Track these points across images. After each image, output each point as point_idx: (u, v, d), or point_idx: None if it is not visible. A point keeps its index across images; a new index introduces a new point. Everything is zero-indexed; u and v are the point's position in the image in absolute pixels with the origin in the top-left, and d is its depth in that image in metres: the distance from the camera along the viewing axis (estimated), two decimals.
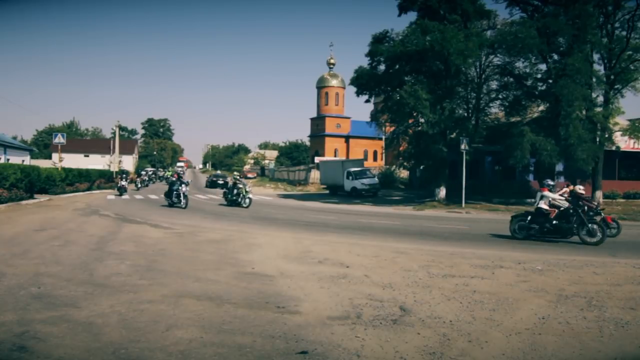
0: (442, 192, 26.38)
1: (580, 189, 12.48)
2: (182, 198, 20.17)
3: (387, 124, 31.63)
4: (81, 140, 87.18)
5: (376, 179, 35.47)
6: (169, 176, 43.34)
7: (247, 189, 21.96)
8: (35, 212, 16.69)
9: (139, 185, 39.77)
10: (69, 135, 55.70)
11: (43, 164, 33.72)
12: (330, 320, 5.14)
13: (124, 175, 31.80)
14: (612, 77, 24.75)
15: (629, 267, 8.36)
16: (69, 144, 46.61)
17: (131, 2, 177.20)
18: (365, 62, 28.72)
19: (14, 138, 62.12)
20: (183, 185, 20.38)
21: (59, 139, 30.82)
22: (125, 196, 27.91)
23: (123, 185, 29.00)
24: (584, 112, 24.00)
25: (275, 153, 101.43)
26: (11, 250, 9.01)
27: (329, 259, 8.75)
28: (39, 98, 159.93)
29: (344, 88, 72.91)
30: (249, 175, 72.19)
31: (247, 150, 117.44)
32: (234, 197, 22.08)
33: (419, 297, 6.14)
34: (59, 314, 5.12)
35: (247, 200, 21.68)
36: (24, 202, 19.71)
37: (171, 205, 20.42)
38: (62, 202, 22.15)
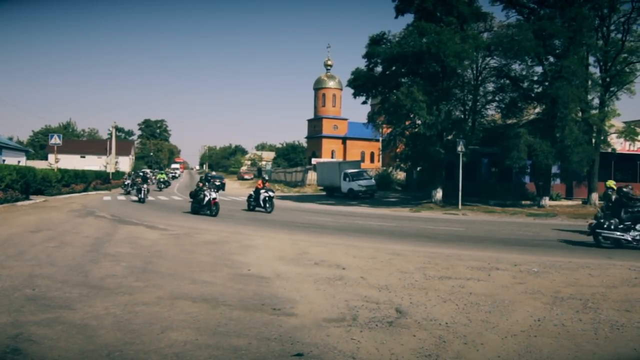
0: (438, 194, 26.41)
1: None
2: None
3: (384, 125, 31.63)
4: (77, 141, 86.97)
5: (373, 180, 35.48)
6: (163, 179, 41.75)
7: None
8: (31, 213, 16.61)
9: (129, 189, 31.08)
10: (65, 136, 55.59)
11: (39, 164, 33.60)
12: (326, 322, 5.13)
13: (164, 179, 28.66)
14: (607, 79, 24.87)
15: (624, 269, 8.38)
16: (65, 145, 46.51)
17: (128, 3, 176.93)
18: (362, 64, 28.69)
19: (10, 139, 61.87)
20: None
21: (55, 140, 30.70)
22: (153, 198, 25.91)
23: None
24: (579, 114, 24.11)
25: (272, 154, 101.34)
26: (6, 252, 8.95)
27: (325, 261, 8.74)
28: (35, 99, 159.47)
29: (341, 89, 72.92)
30: (246, 176, 72.16)
31: (244, 152, 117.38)
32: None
33: (415, 299, 6.13)
34: (53, 316, 5.09)
35: None
36: (19, 203, 19.62)
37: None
38: (58, 203, 22.05)
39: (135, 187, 26.24)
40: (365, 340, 4.59)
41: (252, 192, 21.29)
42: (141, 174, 30.97)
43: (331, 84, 74.10)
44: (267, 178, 22.20)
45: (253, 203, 20.63)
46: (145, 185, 24.82)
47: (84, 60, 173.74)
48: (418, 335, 4.76)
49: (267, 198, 20.19)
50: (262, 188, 20.47)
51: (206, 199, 17.64)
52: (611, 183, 14.38)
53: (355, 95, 28.12)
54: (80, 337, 4.50)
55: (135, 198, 24.87)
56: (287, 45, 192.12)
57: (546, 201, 24.47)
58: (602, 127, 24.74)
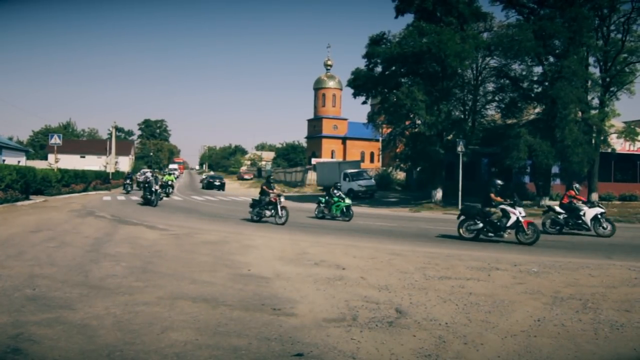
0: (438, 194, 26.41)
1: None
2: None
3: (384, 125, 31.65)
4: (77, 141, 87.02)
5: (373, 180, 35.48)
6: (170, 181, 33.48)
7: None
8: (31, 213, 16.61)
9: (129, 189, 33.54)
10: (65, 136, 55.61)
11: (39, 164, 33.59)
12: (326, 322, 5.13)
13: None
14: (607, 79, 24.87)
15: (624, 269, 8.38)
16: (65, 145, 46.54)
17: (128, 3, 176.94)
18: (362, 64, 28.67)
19: (10, 139, 61.88)
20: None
21: (55, 140, 30.72)
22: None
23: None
24: (579, 114, 24.11)
25: (272, 154, 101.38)
26: (6, 252, 8.96)
27: (325, 261, 8.74)
28: (35, 99, 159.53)
29: (341, 89, 72.91)
30: (246, 176, 72.13)
31: (244, 152, 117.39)
32: None
33: (415, 299, 6.14)
34: (53, 316, 5.10)
35: None
36: (19, 203, 19.62)
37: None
38: (58, 203, 22.05)
39: (260, 204, 15.82)
40: (365, 340, 4.59)
41: (462, 212, 12.95)
42: (265, 174, 14.88)
43: (331, 84, 74.12)
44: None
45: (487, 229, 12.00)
46: (279, 205, 15.45)
47: (84, 60, 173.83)
48: (418, 335, 4.76)
49: (599, 215, 13.40)
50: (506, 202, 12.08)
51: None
52: None
53: (355, 95, 28.13)
54: (80, 337, 4.50)
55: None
56: (287, 45, 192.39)
57: (546, 201, 24.41)
58: (602, 128, 24.74)
